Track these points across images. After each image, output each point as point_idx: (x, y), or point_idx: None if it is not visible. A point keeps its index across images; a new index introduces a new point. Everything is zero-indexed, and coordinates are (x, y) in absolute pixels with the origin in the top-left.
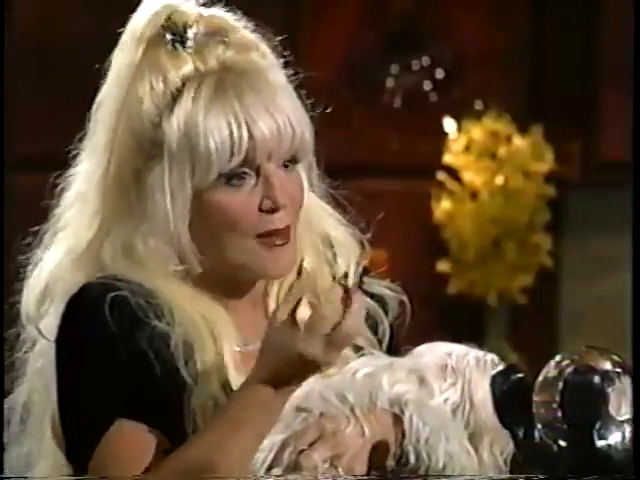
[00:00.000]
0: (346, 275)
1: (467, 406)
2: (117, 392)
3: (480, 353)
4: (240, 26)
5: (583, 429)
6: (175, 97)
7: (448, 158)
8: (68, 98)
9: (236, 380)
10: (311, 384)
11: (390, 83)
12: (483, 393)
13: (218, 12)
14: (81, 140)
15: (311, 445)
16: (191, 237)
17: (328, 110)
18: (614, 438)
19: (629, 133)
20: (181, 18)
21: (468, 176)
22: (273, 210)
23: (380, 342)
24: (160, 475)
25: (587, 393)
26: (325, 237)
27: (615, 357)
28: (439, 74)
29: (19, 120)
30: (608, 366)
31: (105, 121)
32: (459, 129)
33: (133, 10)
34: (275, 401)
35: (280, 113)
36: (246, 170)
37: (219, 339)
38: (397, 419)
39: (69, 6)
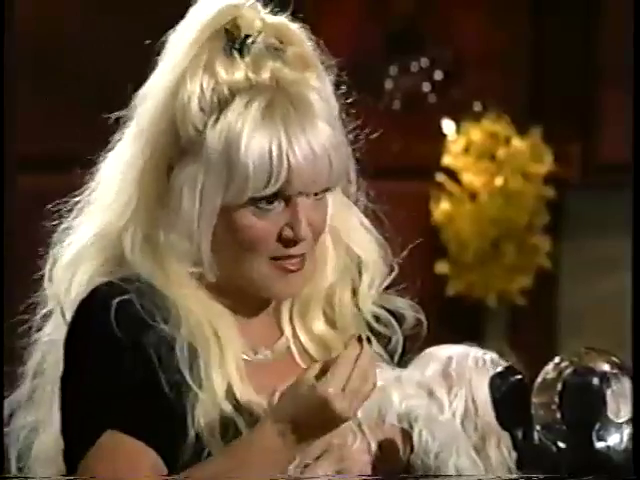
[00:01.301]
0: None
1: (472, 411)
2: (115, 401)
3: (479, 353)
4: (302, 39)
5: (582, 430)
6: (222, 106)
7: (447, 159)
8: (68, 98)
9: (240, 389)
10: None
11: (389, 85)
12: (484, 394)
13: (283, 22)
14: (121, 123)
15: (316, 459)
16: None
17: (374, 136)
18: (613, 439)
19: (629, 134)
20: (245, 24)
21: (467, 177)
22: (293, 242)
23: (392, 355)
24: None
25: (586, 395)
26: (354, 256)
27: (614, 359)
28: (438, 75)
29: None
30: (607, 368)
31: (150, 110)
32: (458, 130)
33: (132, 10)
34: (282, 452)
35: (320, 144)
36: (276, 198)
37: (224, 344)
38: (405, 434)
39: (69, 6)
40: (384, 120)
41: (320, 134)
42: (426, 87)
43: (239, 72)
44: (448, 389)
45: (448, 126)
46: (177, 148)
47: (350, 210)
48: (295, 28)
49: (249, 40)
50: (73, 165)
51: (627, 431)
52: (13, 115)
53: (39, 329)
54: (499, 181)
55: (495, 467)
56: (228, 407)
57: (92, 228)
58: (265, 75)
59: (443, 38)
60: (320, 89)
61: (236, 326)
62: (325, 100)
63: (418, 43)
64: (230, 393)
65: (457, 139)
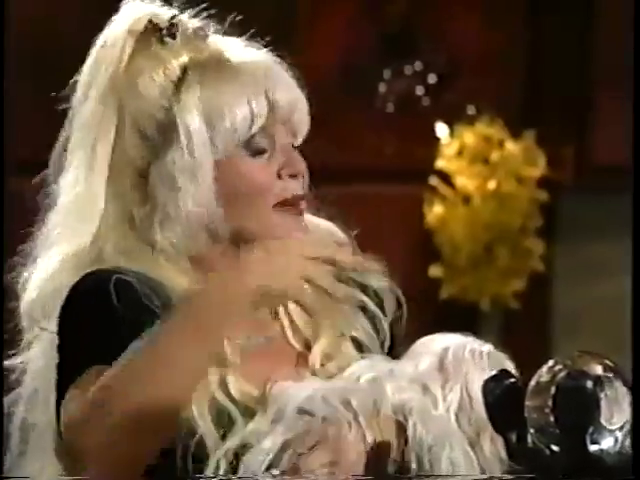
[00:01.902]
0: None
1: (467, 405)
2: (106, 343)
3: (476, 344)
4: (213, 29)
5: (576, 434)
6: (177, 85)
7: (440, 163)
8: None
9: (233, 377)
10: (315, 387)
11: (382, 88)
12: (479, 386)
13: (189, 17)
14: (62, 144)
15: (311, 449)
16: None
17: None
18: (607, 443)
19: (623, 137)
20: (163, 18)
21: (461, 181)
22: (292, 176)
23: (382, 343)
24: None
25: (580, 398)
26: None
27: (608, 362)
28: (431, 79)
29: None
30: (601, 371)
31: (100, 122)
32: (451, 134)
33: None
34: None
35: (289, 85)
36: (263, 142)
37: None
38: (400, 426)
39: (67, 6)
40: (378, 123)
41: (284, 74)
42: (420, 90)
43: (182, 55)
44: (443, 383)
45: (442, 129)
46: (148, 149)
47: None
48: (203, 22)
49: (173, 26)
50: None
51: (621, 435)
52: (12, 118)
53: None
54: (492, 184)
55: (489, 460)
56: (221, 395)
57: (63, 254)
58: (206, 53)
59: (437, 42)
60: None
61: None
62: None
63: (412, 46)
64: (223, 381)
65: (451, 142)
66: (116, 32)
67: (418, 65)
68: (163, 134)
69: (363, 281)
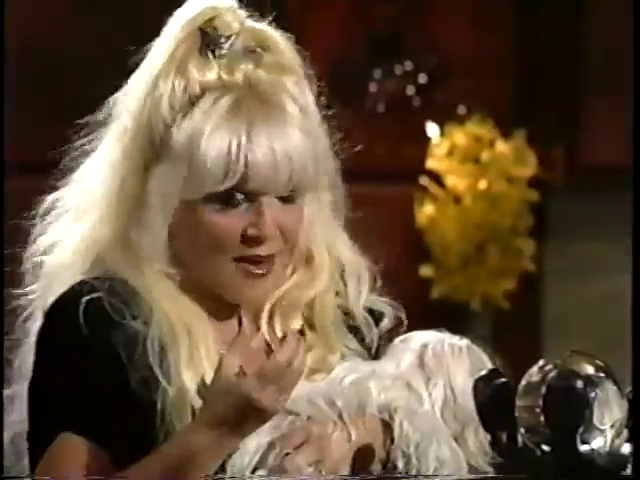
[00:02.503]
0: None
1: (451, 400)
2: (72, 403)
3: (455, 339)
4: (282, 46)
5: (566, 434)
6: (192, 102)
7: (431, 163)
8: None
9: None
10: (299, 388)
11: (373, 88)
12: (462, 381)
13: (263, 27)
14: (98, 125)
15: (297, 448)
16: (177, 249)
17: (357, 149)
18: (597, 443)
19: (620, 136)
20: (222, 26)
21: (451, 181)
22: (258, 239)
23: (369, 349)
24: None
25: (570, 398)
26: (339, 264)
27: (598, 362)
28: (422, 79)
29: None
30: (591, 371)
31: (131, 108)
32: (442, 134)
33: (129, 12)
34: (213, 450)
35: (283, 146)
36: (239, 197)
37: (196, 341)
38: (386, 425)
39: (66, 7)
40: (368, 123)
41: (286, 138)
42: (410, 90)
43: (211, 72)
44: (426, 380)
45: (432, 129)
46: (153, 149)
47: (333, 222)
48: (276, 35)
49: (224, 41)
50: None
51: (611, 434)
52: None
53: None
54: (483, 184)
55: (474, 453)
56: (199, 404)
57: (76, 233)
58: (238, 76)
59: (427, 42)
60: (296, 95)
61: (210, 324)
62: (301, 107)
63: (402, 47)
64: (203, 390)
65: (441, 142)
66: (176, 19)
67: (408, 65)
68: (162, 145)
69: (369, 305)
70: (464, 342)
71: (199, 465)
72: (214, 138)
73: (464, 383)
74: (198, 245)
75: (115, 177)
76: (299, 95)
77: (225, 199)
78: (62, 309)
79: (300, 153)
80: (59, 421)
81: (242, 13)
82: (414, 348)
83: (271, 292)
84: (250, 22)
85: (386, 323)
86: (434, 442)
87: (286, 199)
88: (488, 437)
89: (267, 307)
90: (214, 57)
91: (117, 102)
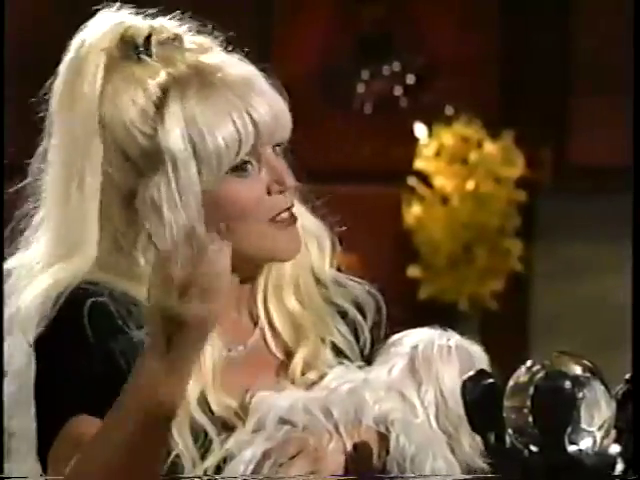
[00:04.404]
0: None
1: (443, 405)
2: (83, 389)
3: (444, 339)
4: (186, 31)
5: (554, 434)
6: (159, 106)
7: (419, 163)
8: None
9: (213, 395)
10: (295, 397)
11: (361, 88)
12: (451, 383)
13: (165, 22)
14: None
15: (292, 459)
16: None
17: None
18: (585, 443)
19: (629, 137)
20: (138, 32)
21: (439, 181)
22: (281, 192)
23: (362, 351)
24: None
25: (558, 398)
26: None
27: (586, 362)
28: (410, 79)
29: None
30: (579, 371)
31: (84, 143)
32: (430, 134)
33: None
34: (169, 375)
35: (271, 97)
36: (249, 159)
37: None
38: (382, 436)
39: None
40: (356, 124)
41: (261, 83)
42: (398, 91)
43: (159, 73)
44: (417, 387)
45: (420, 130)
46: (132, 170)
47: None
48: (173, 23)
49: (151, 41)
50: None
51: (599, 435)
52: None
53: None
54: (471, 185)
55: (468, 454)
56: (199, 414)
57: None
58: (181, 66)
59: (415, 43)
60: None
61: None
62: (245, 65)
63: (390, 47)
64: (202, 399)
65: (429, 143)
66: (89, 45)
67: (396, 66)
68: (148, 158)
69: (344, 284)
70: (453, 342)
71: (160, 402)
72: (211, 117)
73: (453, 385)
74: (228, 220)
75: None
76: (238, 60)
77: (236, 168)
78: (66, 311)
79: (279, 98)
80: (69, 406)
81: (141, 17)
82: (404, 353)
83: (301, 242)
84: (153, 22)
85: (370, 312)
86: (430, 455)
87: (275, 151)
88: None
89: (260, 297)
90: (150, 58)
91: (50, 144)
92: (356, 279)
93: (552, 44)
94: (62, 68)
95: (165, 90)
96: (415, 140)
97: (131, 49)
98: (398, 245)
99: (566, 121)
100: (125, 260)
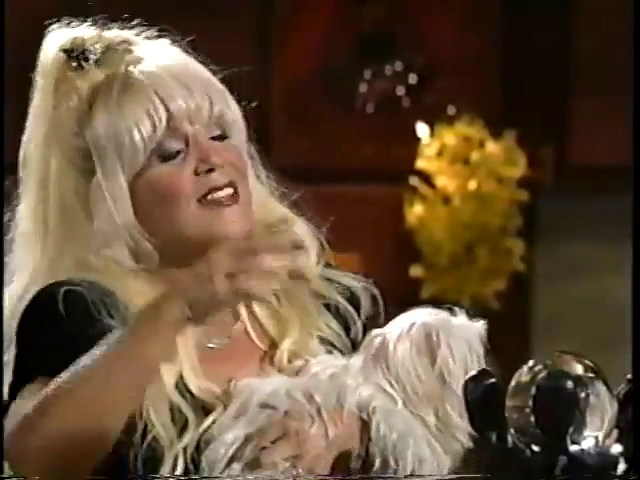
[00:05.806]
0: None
1: (412, 394)
2: (51, 355)
3: (416, 319)
4: (142, 39)
5: (556, 434)
6: (91, 106)
7: (421, 163)
8: None
9: (192, 379)
10: (278, 382)
11: (363, 88)
12: (402, 354)
13: (120, 31)
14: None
15: (273, 442)
16: (140, 222)
17: (253, 105)
18: (587, 443)
19: (629, 137)
20: (80, 41)
21: (441, 181)
22: (209, 170)
23: (354, 342)
24: (44, 409)
25: (560, 398)
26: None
27: (588, 362)
28: (412, 79)
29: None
30: (581, 371)
31: (37, 156)
32: (432, 134)
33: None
34: (181, 321)
35: (193, 82)
36: (177, 145)
37: None
38: (364, 423)
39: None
40: (358, 124)
41: (188, 69)
42: (400, 91)
43: (97, 76)
44: (381, 372)
45: (422, 130)
46: (82, 177)
47: (272, 198)
48: (131, 33)
49: (90, 48)
50: None
51: (601, 435)
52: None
53: None
54: (473, 185)
55: (459, 430)
56: (177, 397)
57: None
58: (121, 68)
59: (417, 42)
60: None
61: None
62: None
63: (392, 47)
64: (181, 384)
65: (431, 143)
66: (43, 63)
67: (398, 65)
68: (88, 159)
69: (337, 280)
70: (421, 319)
71: (164, 338)
72: (126, 109)
73: (416, 368)
74: (159, 204)
75: (45, 222)
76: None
77: (167, 156)
78: (41, 301)
79: (210, 81)
80: (36, 366)
81: (93, 28)
82: (375, 343)
83: (245, 225)
84: (106, 32)
85: (364, 304)
86: (411, 442)
87: (218, 139)
88: (456, 413)
89: None
90: (87, 63)
91: (24, 152)
92: (350, 274)
93: (552, 44)
94: (34, 81)
95: (96, 91)
96: (417, 140)
97: (73, 59)
98: (400, 245)
99: (566, 121)
100: (92, 255)
